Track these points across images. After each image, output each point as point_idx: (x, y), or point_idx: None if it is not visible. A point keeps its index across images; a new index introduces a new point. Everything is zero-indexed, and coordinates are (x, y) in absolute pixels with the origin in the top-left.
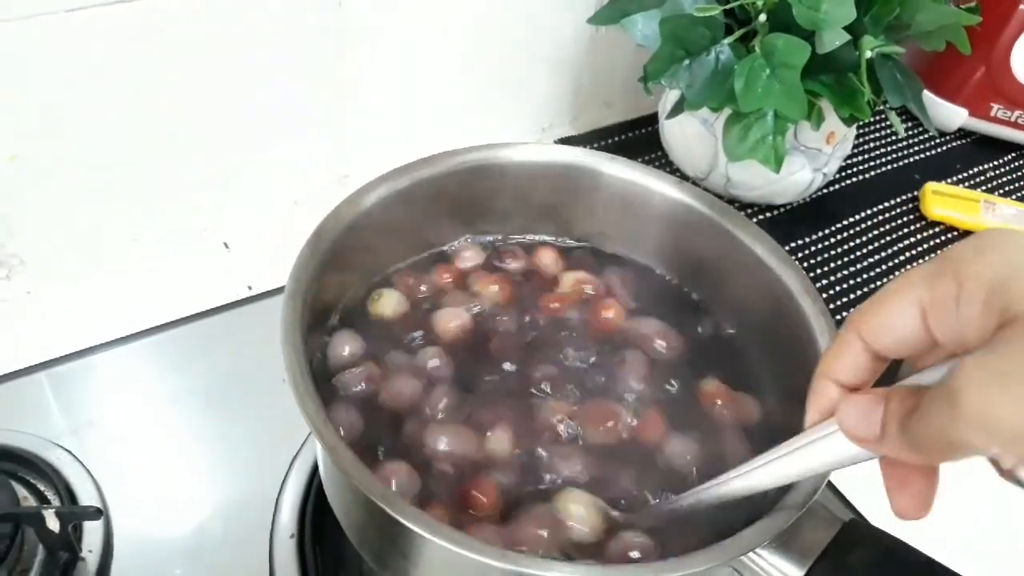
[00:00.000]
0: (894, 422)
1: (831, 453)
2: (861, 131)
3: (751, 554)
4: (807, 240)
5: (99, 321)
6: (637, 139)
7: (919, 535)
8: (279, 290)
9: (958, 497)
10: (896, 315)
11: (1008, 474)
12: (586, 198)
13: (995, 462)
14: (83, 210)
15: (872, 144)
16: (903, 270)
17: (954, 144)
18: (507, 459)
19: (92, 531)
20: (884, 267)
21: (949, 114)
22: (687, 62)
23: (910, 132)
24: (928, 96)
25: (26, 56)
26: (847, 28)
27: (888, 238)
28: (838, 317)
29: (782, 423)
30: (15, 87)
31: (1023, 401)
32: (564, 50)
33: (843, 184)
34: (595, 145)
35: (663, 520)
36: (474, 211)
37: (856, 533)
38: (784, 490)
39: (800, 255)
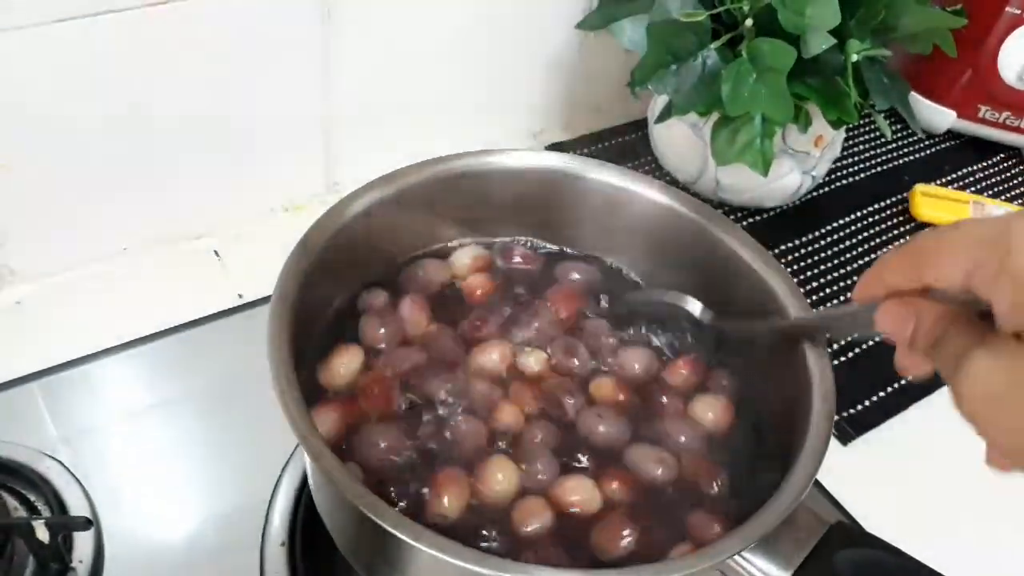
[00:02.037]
0: (922, 341)
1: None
2: (850, 134)
3: (737, 557)
4: (797, 243)
5: (89, 331)
6: (628, 144)
7: (906, 538)
8: (270, 298)
9: (946, 501)
10: (948, 261)
11: None
12: (573, 204)
13: None
14: (74, 219)
15: (861, 147)
16: None
17: (943, 146)
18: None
19: (82, 541)
20: None
21: (937, 116)
22: (674, 67)
23: (898, 134)
24: (916, 98)
25: (17, 66)
26: (832, 32)
27: (877, 240)
28: None
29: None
30: (5, 97)
31: (1006, 417)
32: (554, 56)
33: (832, 187)
34: (585, 150)
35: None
36: (461, 218)
37: (843, 536)
38: (770, 494)
39: (790, 258)
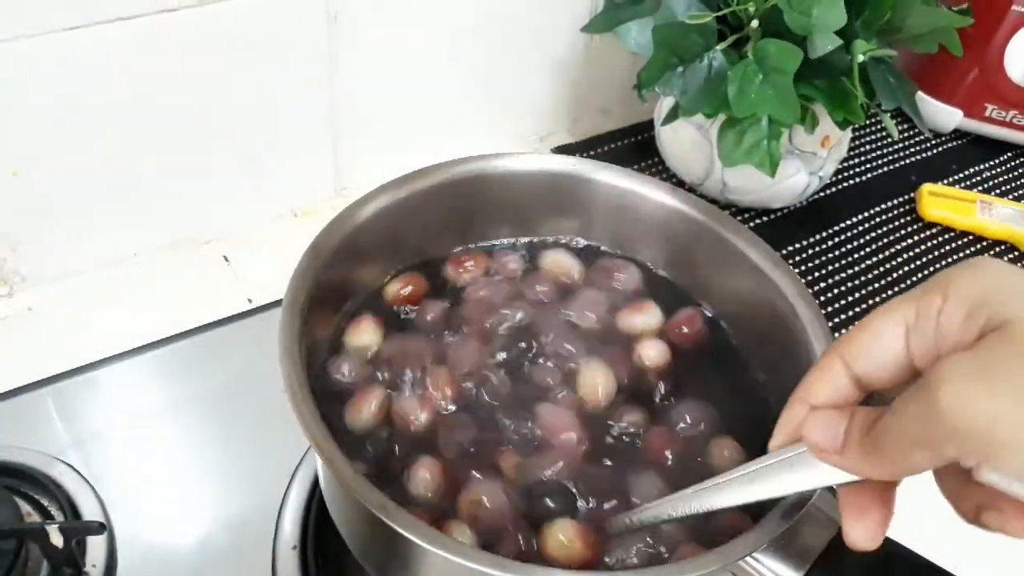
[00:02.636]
0: (857, 430)
1: (789, 477)
2: (856, 134)
3: (748, 558)
4: (804, 244)
5: (100, 336)
6: (634, 146)
7: (917, 538)
8: (279, 303)
9: None
10: (879, 334)
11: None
12: (581, 206)
13: (944, 475)
14: (84, 225)
15: (868, 147)
16: (900, 272)
17: (950, 145)
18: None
19: (95, 546)
20: (881, 269)
21: (944, 115)
22: (680, 69)
23: (905, 134)
24: (923, 98)
25: (28, 73)
26: (838, 32)
27: (885, 240)
28: (835, 321)
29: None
30: (17, 104)
31: (996, 398)
32: (560, 59)
33: (839, 187)
34: (592, 153)
35: (623, 532)
36: (471, 222)
37: None
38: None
39: (797, 259)
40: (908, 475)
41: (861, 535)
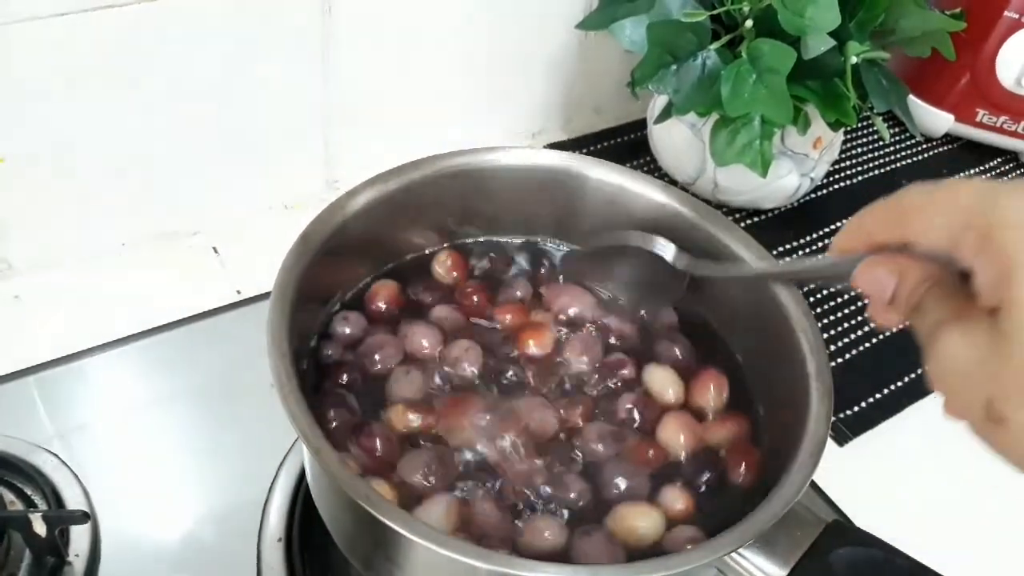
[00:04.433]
0: (901, 305)
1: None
2: (848, 136)
3: (734, 554)
4: (794, 245)
5: (87, 325)
6: (626, 144)
7: (902, 536)
8: (268, 295)
9: (941, 501)
10: (933, 222)
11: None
12: (572, 203)
13: None
14: (72, 214)
15: (859, 149)
16: None
17: (941, 149)
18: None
19: (79, 535)
20: None
21: (935, 119)
22: (674, 67)
23: (897, 137)
24: (914, 101)
25: (16, 59)
26: (832, 34)
27: None
28: (824, 321)
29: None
30: (4, 90)
31: (965, 407)
32: (554, 56)
33: (830, 189)
34: (585, 150)
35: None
36: (461, 215)
37: (839, 534)
38: (767, 491)
39: (787, 259)
40: None
41: (885, 319)
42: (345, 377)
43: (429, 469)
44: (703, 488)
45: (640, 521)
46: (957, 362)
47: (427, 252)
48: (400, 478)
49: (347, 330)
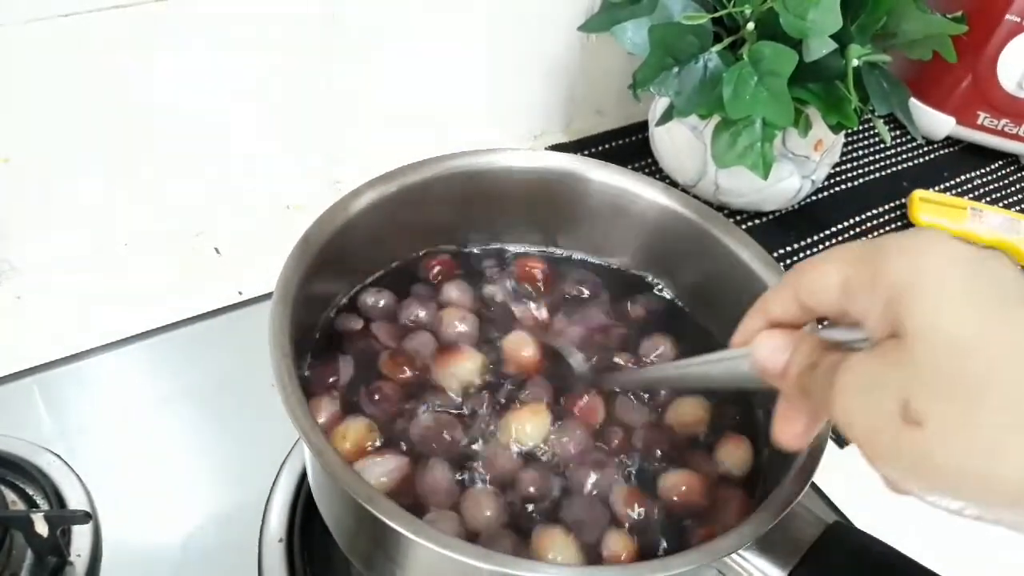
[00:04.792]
0: (795, 369)
1: (740, 374)
2: (849, 139)
3: (735, 555)
4: (795, 247)
5: (90, 326)
6: (628, 146)
7: (903, 538)
8: (270, 295)
9: None
10: (822, 278)
11: None
12: (574, 204)
13: None
14: (74, 215)
15: (860, 152)
16: None
17: (942, 152)
18: None
19: (81, 535)
20: None
21: (936, 122)
22: (676, 69)
23: (898, 140)
24: (916, 104)
25: (20, 60)
26: (834, 36)
27: None
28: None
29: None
30: (8, 91)
31: (873, 419)
32: (556, 58)
33: (831, 191)
34: (587, 152)
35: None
36: (462, 217)
37: (840, 535)
38: (768, 491)
39: (788, 262)
40: None
41: (785, 439)
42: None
43: None
44: None
45: None
46: (864, 377)
47: (426, 252)
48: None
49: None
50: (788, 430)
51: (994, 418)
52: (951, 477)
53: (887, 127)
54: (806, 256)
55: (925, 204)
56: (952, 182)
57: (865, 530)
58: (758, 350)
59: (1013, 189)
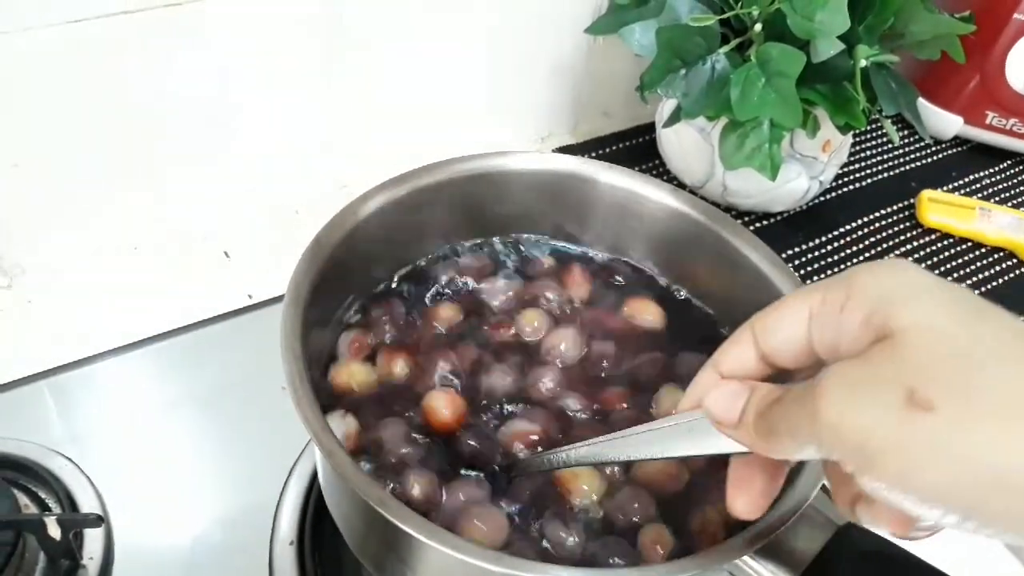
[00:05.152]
0: (753, 410)
1: (687, 442)
2: (857, 139)
3: (746, 558)
4: (803, 248)
5: (100, 329)
6: (635, 148)
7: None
8: (279, 298)
9: None
10: (786, 314)
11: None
12: (583, 206)
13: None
14: (84, 219)
15: (868, 152)
16: None
17: (950, 152)
18: None
19: (93, 538)
20: None
21: (945, 122)
22: (683, 71)
23: (906, 140)
24: (924, 104)
25: (29, 66)
26: (841, 37)
27: (884, 246)
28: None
29: None
30: (18, 96)
31: (870, 412)
32: (563, 60)
33: (839, 192)
34: (593, 154)
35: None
36: (472, 220)
37: (851, 538)
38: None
39: (797, 263)
40: (797, 459)
41: (742, 505)
42: None
43: None
44: None
45: None
46: (854, 376)
47: (436, 255)
48: None
49: None
50: (744, 496)
51: (1001, 409)
52: (965, 469)
53: (895, 127)
54: (815, 257)
55: (933, 204)
56: (960, 182)
57: (877, 533)
58: (711, 399)
59: (1022, 189)
